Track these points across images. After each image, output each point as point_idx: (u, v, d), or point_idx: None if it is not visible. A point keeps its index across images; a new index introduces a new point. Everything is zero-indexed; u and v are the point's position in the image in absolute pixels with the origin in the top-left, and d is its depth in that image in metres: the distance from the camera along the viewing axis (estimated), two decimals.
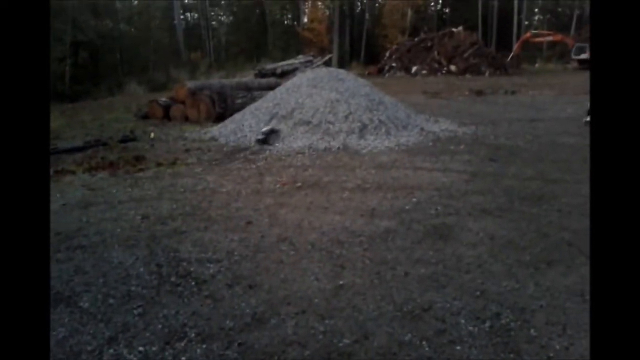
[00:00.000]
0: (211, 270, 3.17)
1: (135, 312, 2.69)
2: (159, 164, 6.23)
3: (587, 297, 2.78)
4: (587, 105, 9.20)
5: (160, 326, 2.55)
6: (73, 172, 5.85)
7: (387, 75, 27.94)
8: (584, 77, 21.70)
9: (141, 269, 3.20)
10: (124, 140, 8.04)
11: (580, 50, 30.09)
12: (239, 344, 2.39)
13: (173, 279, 3.06)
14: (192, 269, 3.20)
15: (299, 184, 5.16)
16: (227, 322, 2.57)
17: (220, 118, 9.65)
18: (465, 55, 27.12)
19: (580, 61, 30.09)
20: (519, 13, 37.45)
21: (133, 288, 2.96)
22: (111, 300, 2.81)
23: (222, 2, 45.08)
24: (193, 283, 3.00)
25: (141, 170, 5.95)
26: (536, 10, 45.22)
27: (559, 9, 42.29)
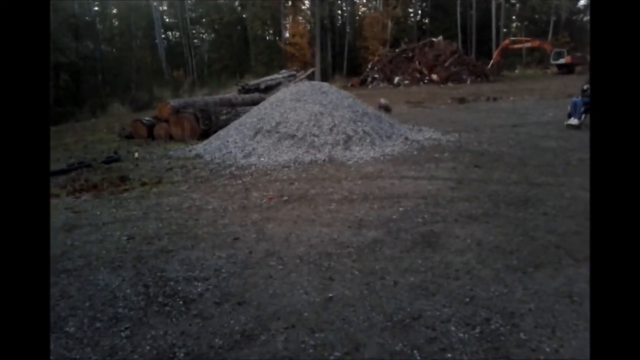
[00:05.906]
0: (199, 289, 3.13)
1: (122, 334, 2.65)
2: (143, 184, 6.18)
3: (575, 298, 2.80)
4: (568, 108, 9.35)
5: (148, 347, 2.51)
6: (57, 196, 5.78)
7: (370, 86, 28.17)
8: (564, 82, 22.10)
9: (128, 291, 3.16)
10: (108, 161, 7.97)
11: (559, 55, 30.65)
12: None
13: (160, 299, 3.03)
14: (179, 288, 3.16)
15: (286, 198, 5.14)
16: (217, 340, 2.54)
17: (204, 135, 9.62)
18: (446, 64, 27.48)
19: (559, 66, 30.66)
20: (497, 21, 38.07)
21: (120, 310, 2.91)
22: (98, 324, 2.77)
23: (203, 20, 45.31)
24: (181, 302, 2.97)
25: (126, 190, 5.90)
26: (514, 17, 46.03)
27: (536, 16, 43.05)
